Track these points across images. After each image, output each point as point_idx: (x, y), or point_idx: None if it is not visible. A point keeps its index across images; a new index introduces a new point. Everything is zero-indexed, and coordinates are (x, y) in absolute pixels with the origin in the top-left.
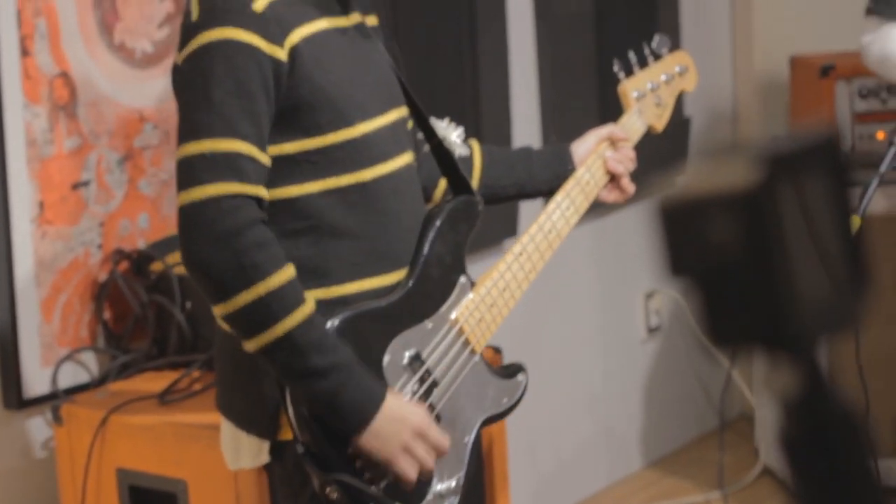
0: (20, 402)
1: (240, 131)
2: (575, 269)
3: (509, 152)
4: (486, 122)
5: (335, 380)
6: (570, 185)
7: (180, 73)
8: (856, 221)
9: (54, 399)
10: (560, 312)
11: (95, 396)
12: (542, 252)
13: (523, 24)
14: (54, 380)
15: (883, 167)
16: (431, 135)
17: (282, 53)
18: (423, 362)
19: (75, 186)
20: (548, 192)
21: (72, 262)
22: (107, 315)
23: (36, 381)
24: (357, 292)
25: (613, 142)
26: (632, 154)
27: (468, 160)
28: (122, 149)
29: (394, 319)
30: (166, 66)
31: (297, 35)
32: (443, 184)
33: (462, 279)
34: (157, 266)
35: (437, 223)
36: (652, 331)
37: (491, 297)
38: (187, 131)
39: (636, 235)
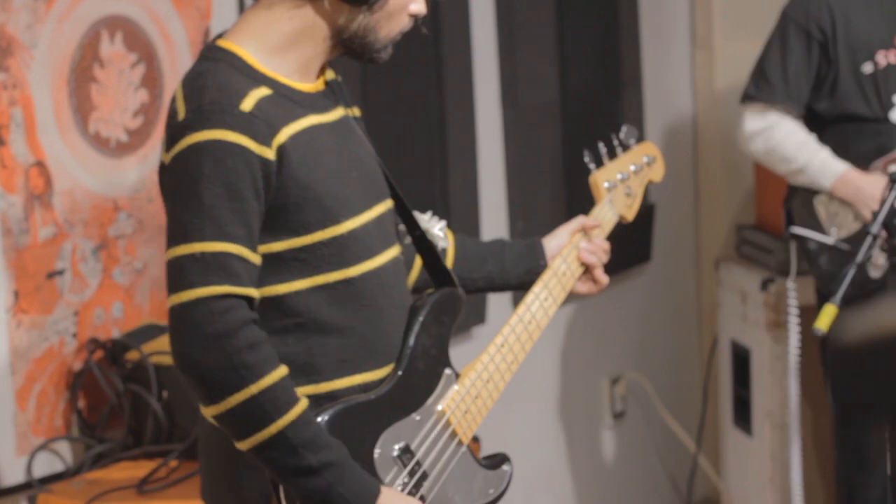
0: None
1: (230, 233)
2: (540, 354)
3: (481, 245)
4: (455, 210)
5: (329, 477)
6: (547, 276)
7: (168, 173)
8: (831, 311)
9: (29, 489)
10: (525, 397)
11: (72, 486)
12: (523, 343)
13: (491, 113)
14: (29, 469)
15: (860, 257)
16: (414, 227)
17: (270, 153)
18: (412, 454)
19: (50, 275)
20: (517, 287)
21: (46, 351)
22: (81, 404)
23: (11, 470)
24: (346, 387)
25: (586, 231)
26: (605, 245)
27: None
28: (96, 238)
29: (383, 413)
30: (140, 154)
31: (285, 134)
32: (417, 265)
33: (447, 371)
34: (132, 355)
35: (422, 316)
36: (617, 416)
37: (476, 388)
38: (177, 233)
39: (602, 320)
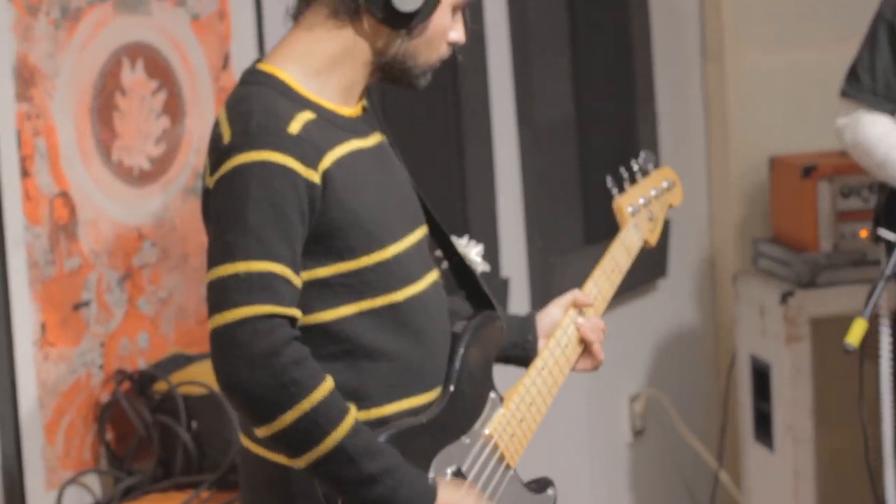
0: None
1: (275, 253)
2: None
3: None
4: (474, 229)
5: (390, 482)
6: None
7: (213, 196)
8: (861, 325)
9: None
10: (546, 417)
11: None
12: (562, 366)
13: (507, 131)
14: (59, 503)
15: (888, 269)
16: (452, 252)
17: (316, 177)
18: (464, 478)
19: (76, 307)
20: (503, 360)
21: (74, 384)
22: (110, 436)
23: None
24: (395, 412)
25: (578, 307)
26: (602, 324)
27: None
28: (121, 267)
29: (434, 436)
30: (163, 182)
31: (330, 158)
32: None
33: (492, 394)
34: (160, 386)
35: (466, 340)
36: (637, 433)
37: (520, 411)
38: (221, 252)
39: (619, 339)
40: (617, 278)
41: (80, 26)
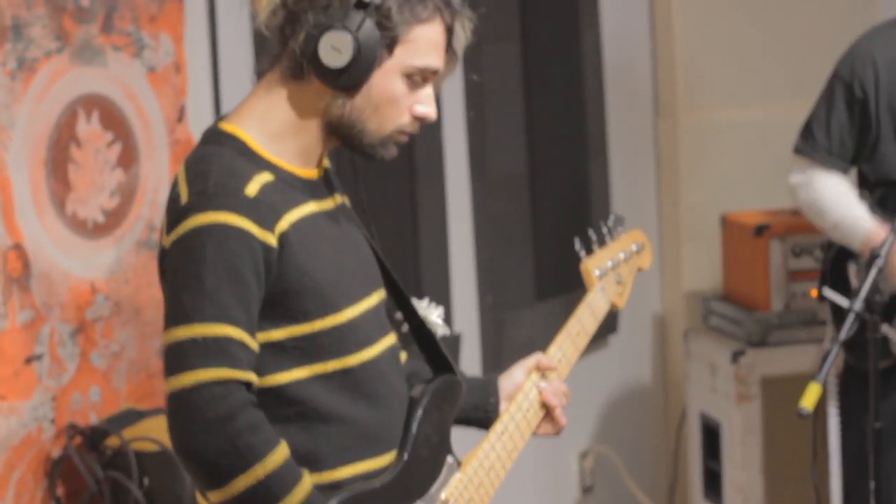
0: None
1: (231, 316)
2: None
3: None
4: (426, 285)
5: None
6: (520, 398)
7: (169, 256)
8: (815, 389)
9: None
10: None
11: None
12: (522, 430)
13: (460, 186)
14: None
15: (843, 334)
16: (412, 315)
17: (272, 239)
18: None
19: (28, 360)
20: (464, 422)
21: (25, 438)
22: (60, 492)
23: None
24: (349, 476)
25: (543, 372)
26: (565, 388)
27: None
28: (74, 321)
29: (388, 501)
30: (117, 235)
31: (287, 221)
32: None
33: (449, 459)
34: (112, 441)
35: (423, 403)
36: (586, 490)
37: (478, 476)
38: (177, 315)
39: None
40: (582, 342)
41: (36, 77)
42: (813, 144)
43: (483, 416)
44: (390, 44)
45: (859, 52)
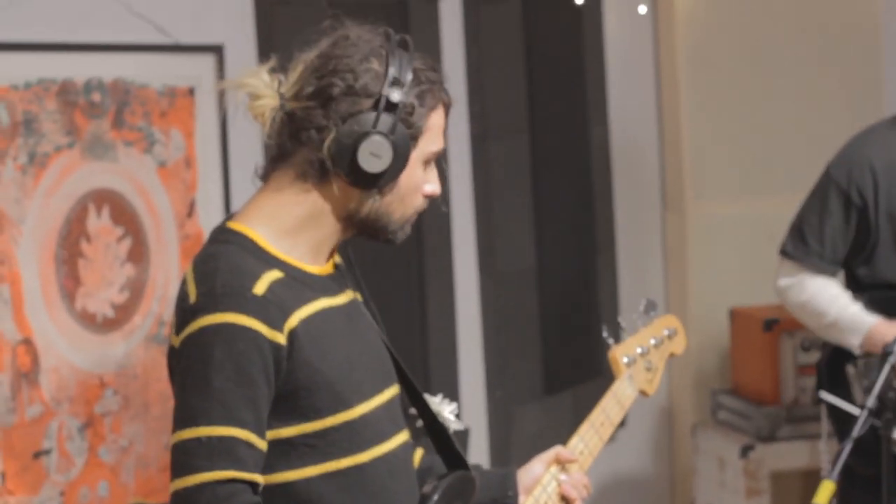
0: None
1: (239, 418)
2: None
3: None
4: (435, 380)
5: None
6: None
7: (178, 356)
8: (828, 487)
9: None
10: None
11: None
12: None
13: (469, 281)
14: None
15: (856, 432)
16: (425, 410)
17: (281, 338)
18: None
19: (37, 455)
20: None
21: None
22: None
23: None
24: None
25: (563, 464)
26: (585, 480)
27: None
28: (82, 415)
29: None
30: (126, 330)
31: (296, 318)
32: (419, 454)
33: None
34: None
35: (434, 500)
36: None
37: None
38: (185, 416)
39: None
40: (607, 432)
41: (46, 172)
42: (805, 250)
43: None
44: (415, 137)
45: (855, 156)
